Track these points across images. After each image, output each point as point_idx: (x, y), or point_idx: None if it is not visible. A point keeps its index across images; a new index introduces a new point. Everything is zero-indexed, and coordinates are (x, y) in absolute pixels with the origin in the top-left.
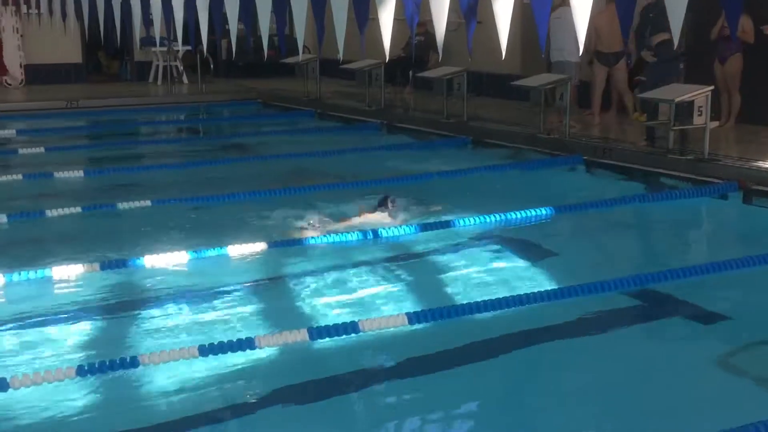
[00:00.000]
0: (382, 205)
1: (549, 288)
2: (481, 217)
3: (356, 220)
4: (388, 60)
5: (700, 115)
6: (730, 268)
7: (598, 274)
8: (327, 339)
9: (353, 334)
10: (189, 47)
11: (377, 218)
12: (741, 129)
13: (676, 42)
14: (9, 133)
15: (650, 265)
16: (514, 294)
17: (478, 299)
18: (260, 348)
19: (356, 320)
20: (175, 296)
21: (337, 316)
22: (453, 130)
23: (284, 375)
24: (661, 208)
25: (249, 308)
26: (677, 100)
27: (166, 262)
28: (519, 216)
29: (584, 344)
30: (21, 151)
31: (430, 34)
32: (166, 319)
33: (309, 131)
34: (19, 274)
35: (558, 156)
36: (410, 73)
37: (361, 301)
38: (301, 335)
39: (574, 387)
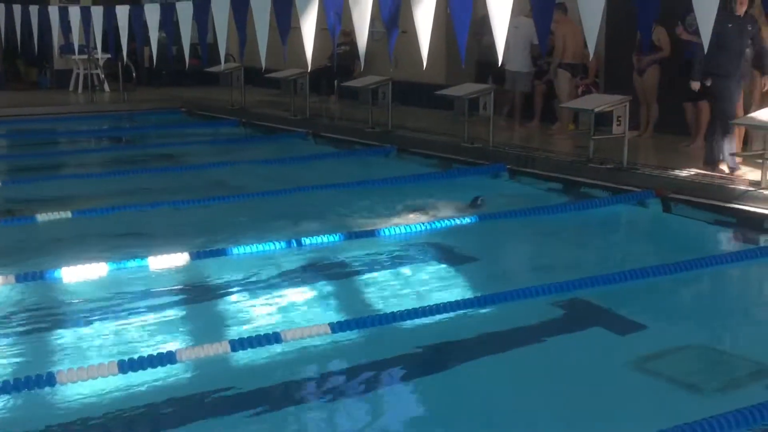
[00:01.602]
0: (473, 204)
1: (471, 296)
2: (406, 226)
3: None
4: (313, 69)
5: (618, 124)
6: (648, 276)
7: (519, 282)
8: (249, 350)
9: (276, 345)
10: (110, 55)
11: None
12: (659, 138)
13: (591, 53)
14: None
15: (570, 272)
16: (437, 302)
17: (402, 308)
18: (181, 361)
19: (279, 331)
20: (94, 310)
21: (259, 326)
22: (378, 139)
23: (206, 388)
24: (582, 216)
25: (169, 321)
26: (597, 109)
27: (84, 274)
28: (442, 224)
29: (504, 352)
30: None
31: (354, 44)
32: (85, 334)
33: (233, 140)
34: None
35: (481, 165)
36: (335, 82)
37: (283, 311)
38: (222, 347)
39: (494, 395)
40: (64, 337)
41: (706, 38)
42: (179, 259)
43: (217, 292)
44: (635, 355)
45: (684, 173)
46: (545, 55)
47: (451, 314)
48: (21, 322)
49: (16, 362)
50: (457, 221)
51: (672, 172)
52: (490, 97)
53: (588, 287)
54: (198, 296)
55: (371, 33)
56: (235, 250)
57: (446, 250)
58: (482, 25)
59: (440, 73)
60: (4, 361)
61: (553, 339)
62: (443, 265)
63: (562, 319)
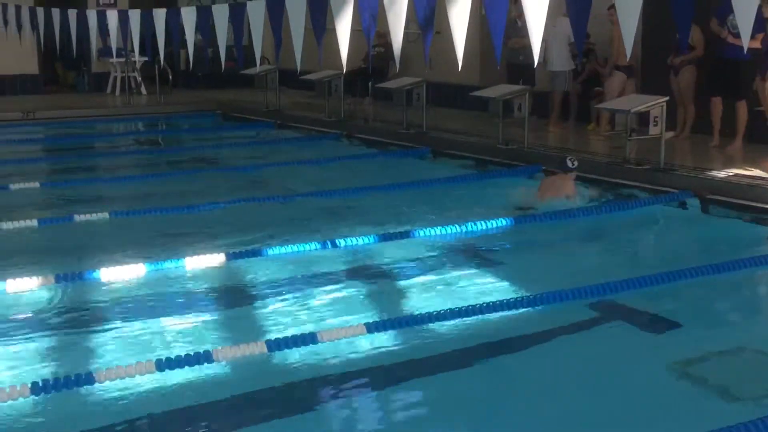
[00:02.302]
0: (564, 166)
1: (507, 297)
2: (441, 228)
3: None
4: (348, 71)
5: (655, 125)
6: (687, 277)
7: (555, 284)
8: (285, 350)
9: (312, 345)
10: (147, 58)
11: (570, 180)
12: (696, 139)
13: (628, 53)
14: None
15: (607, 274)
16: (471, 303)
17: (437, 309)
18: (218, 361)
19: (315, 331)
20: (132, 309)
21: (296, 327)
22: (412, 140)
23: (242, 388)
24: (619, 217)
25: (206, 321)
26: (633, 110)
27: (122, 274)
28: (478, 226)
29: (541, 354)
30: None
31: (389, 45)
32: (122, 334)
33: (268, 142)
34: None
35: (517, 166)
36: (369, 83)
37: (319, 311)
38: (259, 347)
39: (530, 397)
40: (103, 336)
41: (746, 39)
42: (215, 259)
43: (253, 292)
44: (674, 358)
45: (722, 174)
46: (581, 55)
47: (487, 316)
48: (60, 322)
49: (56, 361)
50: (492, 223)
51: (710, 173)
52: (524, 99)
53: (626, 289)
54: (234, 297)
55: (406, 34)
56: (270, 251)
57: (481, 252)
58: (514, 26)
59: (474, 74)
60: (45, 360)
61: (589, 341)
62: (478, 267)
63: (599, 322)
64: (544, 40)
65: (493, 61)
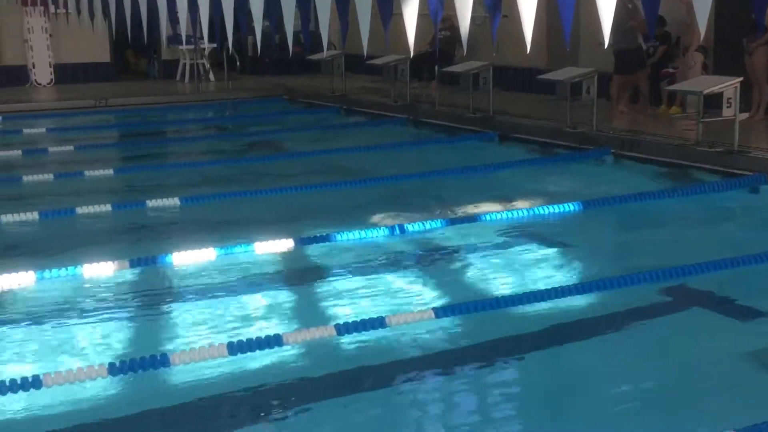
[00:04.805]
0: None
1: (575, 281)
2: (509, 212)
3: None
4: (414, 55)
5: (729, 106)
6: (762, 261)
7: (626, 268)
8: (354, 334)
9: (380, 329)
10: (215, 45)
11: None
12: None
13: (702, 34)
14: (39, 132)
15: (681, 258)
16: (542, 288)
17: (505, 294)
18: (288, 344)
19: (383, 316)
20: (203, 293)
21: (364, 311)
22: (479, 124)
23: (312, 371)
24: (691, 200)
25: (275, 305)
26: (706, 91)
27: (193, 259)
28: (547, 210)
29: (616, 340)
30: (51, 149)
31: (455, 29)
32: (195, 317)
33: (335, 127)
34: (50, 271)
35: (585, 149)
36: (436, 68)
37: (387, 296)
38: (328, 331)
39: (600, 383)
40: (175, 319)
41: None
42: (284, 244)
43: (322, 277)
44: (746, 345)
45: None
46: (653, 37)
47: (556, 300)
48: (134, 305)
49: (132, 344)
50: (560, 207)
51: None
52: (593, 81)
53: (698, 273)
54: (303, 281)
55: (472, 18)
56: (338, 236)
57: (549, 236)
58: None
59: (541, 57)
60: (121, 342)
61: (661, 327)
62: (546, 251)
63: (672, 307)
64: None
65: (561, 44)
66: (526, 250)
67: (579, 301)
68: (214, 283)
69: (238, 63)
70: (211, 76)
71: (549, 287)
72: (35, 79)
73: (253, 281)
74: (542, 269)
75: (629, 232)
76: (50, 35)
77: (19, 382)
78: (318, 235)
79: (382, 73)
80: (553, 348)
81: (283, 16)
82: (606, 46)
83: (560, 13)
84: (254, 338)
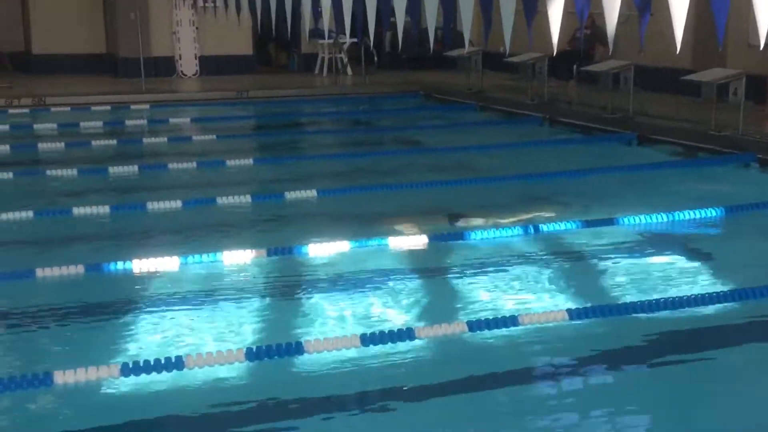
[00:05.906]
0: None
1: (717, 290)
2: (646, 216)
3: None
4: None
5: None
6: None
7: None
8: (486, 331)
9: (512, 327)
10: (354, 39)
11: None
12: None
13: None
14: (184, 121)
15: None
16: (676, 295)
17: (641, 299)
18: (420, 338)
19: (516, 314)
20: (337, 284)
21: (496, 309)
22: (618, 125)
23: (442, 366)
24: None
25: (408, 299)
26: None
27: (328, 250)
28: (686, 216)
29: (758, 350)
30: (194, 138)
31: (596, 27)
32: (329, 307)
33: (470, 124)
34: (193, 257)
35: (729, 154)
36: (574, 66)
37: (520, 295)
38: (460, 327)
39: (746, 395)
40: (310, 309)
41: None
42: (418, 240)
43: (455, 274)
44: None
45: None
46: None
47: (692, 308)
48: (271, 293)
49: (268, 331)
50: (701, 212)
51: None
52: (740, 83)
53: None
54: (436, 277)
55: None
56: (472, 235)
57: (688, 242)
58: None
59: (686, 56)
60: (258, 329)
61: None
62: (684, 257)
63: None
64: None
65: (706, 43)
66: (664, 255)
67: (719, 310)
68: (347, 275)
69: (375, 58)
70: (349, 71)
71: (687, 295)
72: (181, 70)
73: (386, 274)
74: (677, 275)
75: None
76: (197, 28)
77: (163, 362)
78: (452, 232)
79: (520, 71)
80: (688, 356)
81: (424, 12)
82: (762, 47)
83: (713, 11)
84: (386, 331)
